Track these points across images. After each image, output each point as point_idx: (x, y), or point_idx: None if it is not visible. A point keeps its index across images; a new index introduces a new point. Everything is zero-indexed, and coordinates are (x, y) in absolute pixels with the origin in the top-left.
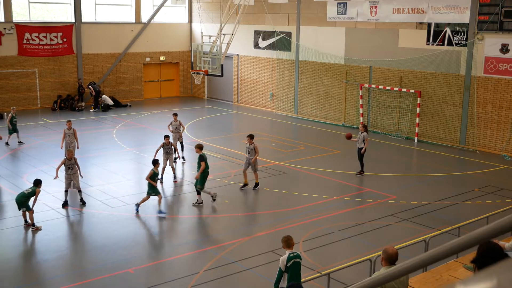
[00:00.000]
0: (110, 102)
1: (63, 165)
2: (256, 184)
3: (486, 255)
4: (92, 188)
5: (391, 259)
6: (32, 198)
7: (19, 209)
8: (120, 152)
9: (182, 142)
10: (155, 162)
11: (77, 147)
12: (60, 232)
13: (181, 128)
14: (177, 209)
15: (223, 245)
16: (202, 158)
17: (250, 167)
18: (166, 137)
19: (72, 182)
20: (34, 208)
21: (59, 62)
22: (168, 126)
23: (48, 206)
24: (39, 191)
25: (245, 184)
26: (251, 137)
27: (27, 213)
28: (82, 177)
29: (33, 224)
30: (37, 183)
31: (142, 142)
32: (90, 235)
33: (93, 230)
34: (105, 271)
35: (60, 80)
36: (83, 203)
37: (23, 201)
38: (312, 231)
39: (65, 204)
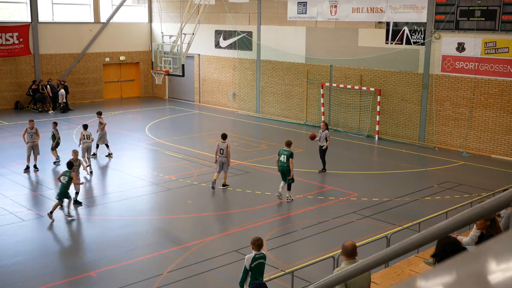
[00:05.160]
0: (62, 100)
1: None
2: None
3: (445, 249)
4: (52, 190)
5: (347, 251)
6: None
7: (61, 199)
8: None
9: (37, 154)
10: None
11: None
12: (19, 237)
13: (37, 138)
14: (138, 210)
15: (187, 245)
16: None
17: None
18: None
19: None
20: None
21: (15, 62)
22: (23, 135)
23: (6, 210)
24: (74, 174)
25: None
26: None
27: (69, 202)
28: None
29: (50, 213)
30: (70, 166)
31: None
32: (50, 239)
33: (54, 233)
34: (67, 275)
35: (16, 81)
36: (79, 203)
37: (65, 192)
38: (276, 230)
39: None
